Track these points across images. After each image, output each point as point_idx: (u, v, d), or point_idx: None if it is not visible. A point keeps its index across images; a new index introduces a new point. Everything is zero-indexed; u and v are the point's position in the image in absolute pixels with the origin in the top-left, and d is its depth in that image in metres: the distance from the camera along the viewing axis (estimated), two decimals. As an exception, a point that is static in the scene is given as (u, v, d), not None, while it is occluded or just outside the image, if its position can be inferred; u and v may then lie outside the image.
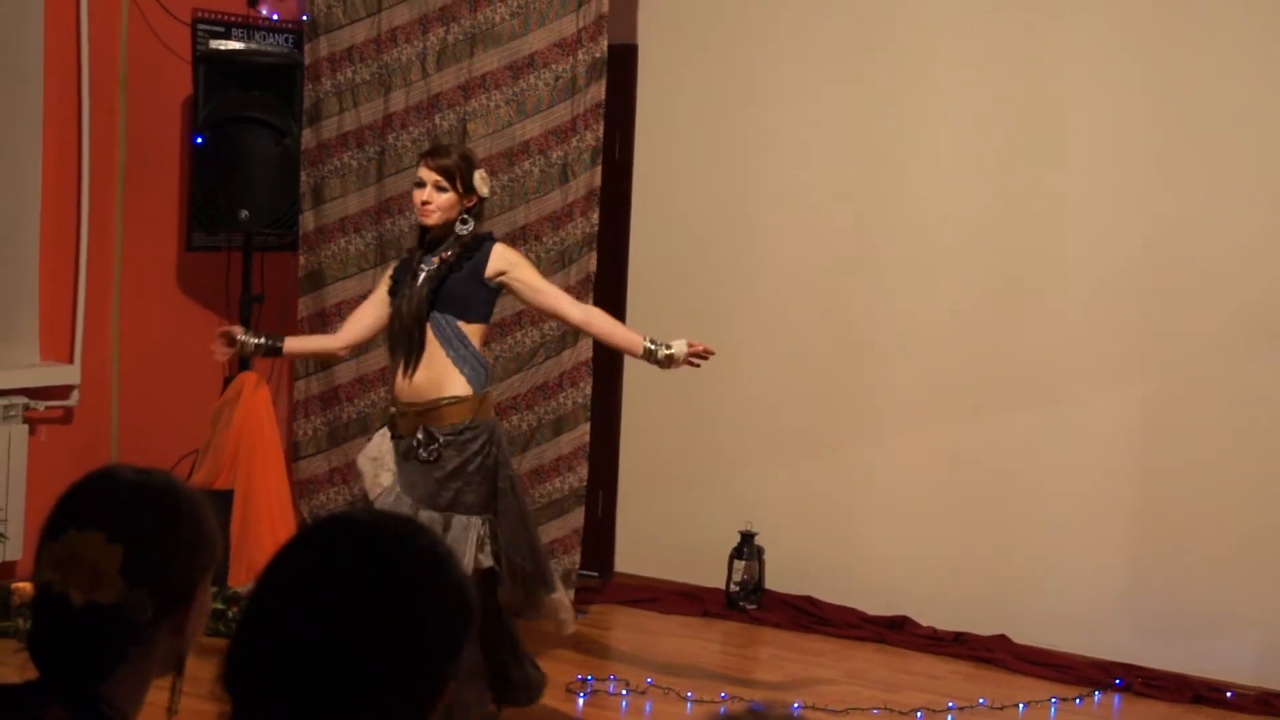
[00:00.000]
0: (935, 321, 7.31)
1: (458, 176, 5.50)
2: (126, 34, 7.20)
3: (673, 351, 5.60)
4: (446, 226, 5.53)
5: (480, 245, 5.55)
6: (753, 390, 7.58)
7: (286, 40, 7.63)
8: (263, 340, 5.75)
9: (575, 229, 7.20)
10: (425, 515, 5.28)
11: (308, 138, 7.45)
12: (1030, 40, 7.12)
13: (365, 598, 1.86)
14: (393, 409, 5.56)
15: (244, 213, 7.23)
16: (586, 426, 7.31)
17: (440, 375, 5.46)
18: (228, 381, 7.29)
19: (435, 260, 5.51)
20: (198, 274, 7.61)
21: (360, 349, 6.37)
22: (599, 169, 7.22)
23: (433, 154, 5.62)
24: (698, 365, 5.67)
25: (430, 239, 5.58)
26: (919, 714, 6.31)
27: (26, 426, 6.85)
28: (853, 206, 7.49)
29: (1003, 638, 7.12)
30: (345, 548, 1.92)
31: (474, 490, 5.44)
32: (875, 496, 7.49)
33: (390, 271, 5.74)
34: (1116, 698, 6.64)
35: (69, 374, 7.04)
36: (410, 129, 7.36)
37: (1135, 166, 6.91)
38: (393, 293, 5.60)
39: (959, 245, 7.26)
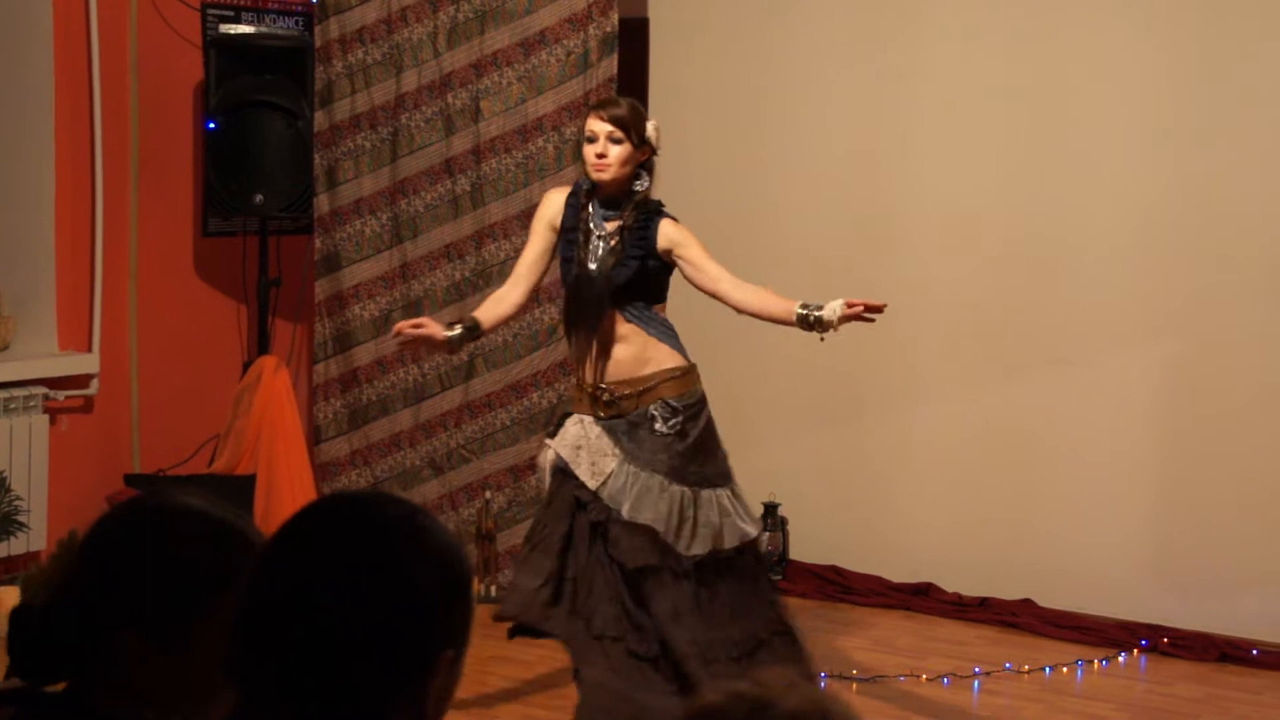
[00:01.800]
0: (957, 286, 7.30)
1: (632, 127, 5.20)
2: (136, 21, 7.20)
3: (823, 314, 5.09)
4: (622, 183, 5.26)
5: (649, 222, 5.24)
6: (773, 361, 7.56)
7: (296, 23, 7.63)
8: (458, 332, 5.32)
9: (590, 205, 7.20)
10: (675, 490, 5.13)
11: (320, 120, 7.45)
12: None
13: (348, 572, 1.87)
14: (594, 389, 5.23)
15: (259, 197, 7.23)
16: (607, 401, 7.31)
17: (645, 350, 5.22)
18: (247, 366, 7.31)
19: (609, 226, 5.24)
20: (214, 259, 7.62)
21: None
22: (612, 144, 7.20)
23: (603, 104, 5.31)
24: (871, 320, 5.19)
25: (605, 196, 5.28)
26: (945, 680, 6.32)
27: (47, 416, 6.87)
28: (871, 173, 7.47)
29: (1028, 602, 7.12)
30: (324, 527, 1.94)
31: (713, 463, 5.25)
32: (898, 464, 7.49)
33: (550, 212, 5.37)
34: (1142, 658, 6.64)
35: (88, 363, 7.05)
36: (423, 109, 7.36)
37: (1158, 122, 6.88)
38: (566, 256, 5.28)
39: (980, 208, 7.24)
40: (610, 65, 7.21)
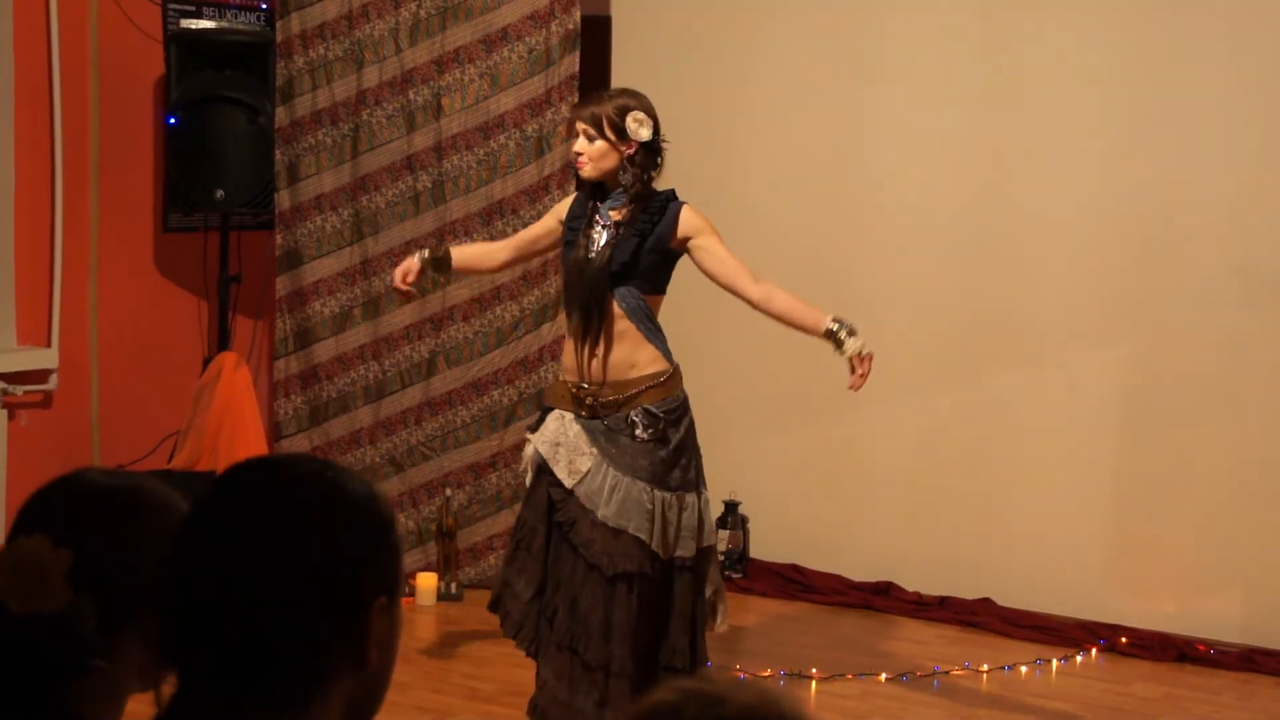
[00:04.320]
0: (917, 286, 7.31)
1: (605, 122, 5.13)
2: (96, 15, 7.16)
3: (845, 346, 5.16)
4: (609, 177, 5.20)
5: (665, 208, 5.20)
6: (735, 359, 7.57)
7: (258, 18, 7.60)
8: (427, 255, 5.51)
9: (552, 202, 7.17)
10: (659, 496, 5.10)
11: (281, 116, 7.42)
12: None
13: (262, 534, 1.87)
14: (576, 388, 5.18)
15: (219, 192, 7.20)
16: (568, 399, 7.31)
17: (633, 352, 5.16)
18: (207, 362, 7.28)
19: (614, 216, 5.19)
20: (175, 255, 7.59)
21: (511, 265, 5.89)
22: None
23: (580, 103, 5.37)
24: (856, 384, 5.18)
25: (607, 190, 5.23)
26: (904, 678, 6.33)
27: (5, 412, 6.83)
28: (832, 173, 7.48)
29: (987, 601, 7.14)
30: (234, 494, 1.94)
31: (693, 466, 5.23)
32: (859, 463, 7.50)
33: (563, 207, 5.41)
34: (1101, 658, 6.67)
35: (47, 358, 7.01)
36: (384, 105, 7.35)
37: (1115, 123, 6.90)
38: (569, 241, 5.26)
39: (939, 208, 7.26)
40: (572, 63, 7.22)
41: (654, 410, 5.16)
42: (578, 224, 5.26)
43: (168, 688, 1.95)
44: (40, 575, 2.09)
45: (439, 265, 5.56)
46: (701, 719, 1.65)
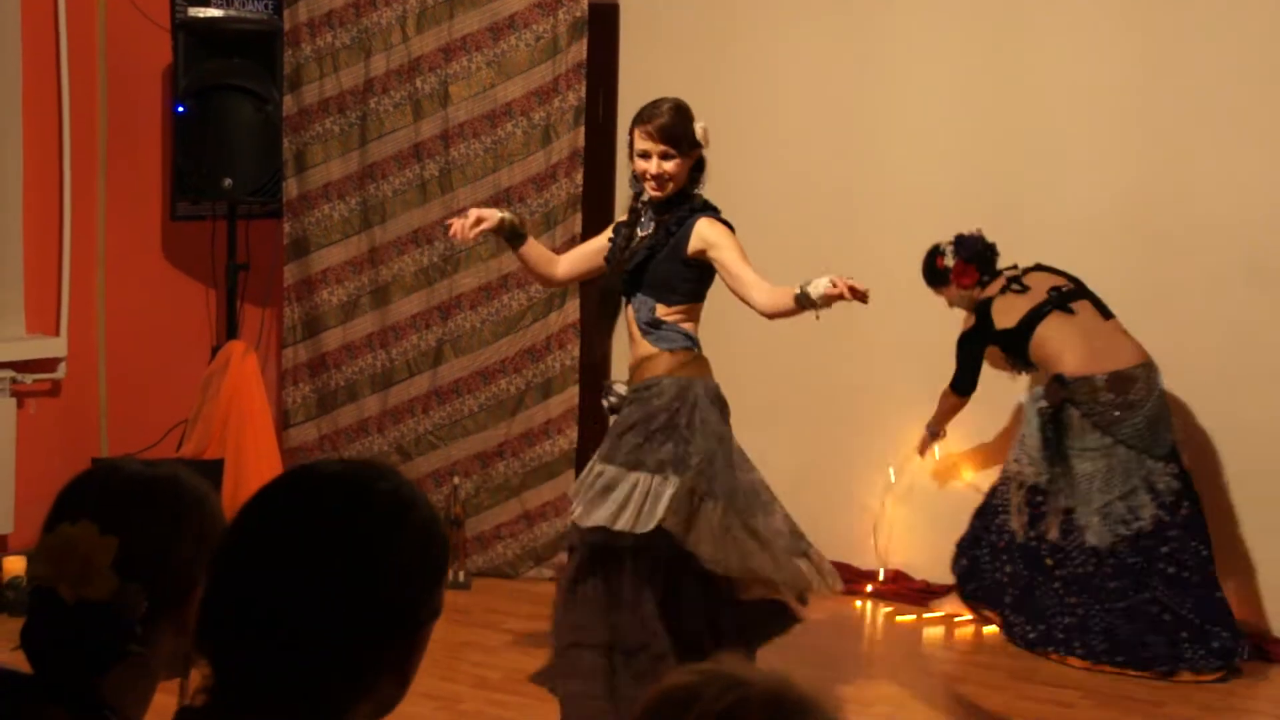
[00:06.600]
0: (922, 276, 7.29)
1: (683, 139, 5.02)
2: (105, 4, 7.16)
3: (810, 291, 4.78)
4: (679, 189, 5.08)
5: (684, 220, 5.06)
6: (743, 350, 7.55)
7: (265, 6, 7.60)
8: (508, 219, 5.20)
9: (559, 190, 7.20)
10: (608, 470, 5.00)
11: (289, 104, 7.42)
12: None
13: (329, 544, 1.87)
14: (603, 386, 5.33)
15: (227, 181, 7.20)
16: (575, 389, 7.31)
17: (643, 357, 5.10)
18: (215, 350, 7.28)
19: (653, 226, 5.10)
20: (182, 243, 7.59)
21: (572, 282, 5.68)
22: (582, 129, 7.22)
23: (650, 118, 5.04)
24: (852, 299, 4.77)
25: (657, 201, 5.10)
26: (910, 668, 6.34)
27: (14, 400, 6.83)
28: (839, 160, 7.46)
29: (995, 589, 7.13)
30: (307, 497, 1.93)
31: (656, 449, 5.01)
32: (867, 452, 7.49)
33: (619, 221, 5.29)
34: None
35: (56, 346, 7.02)
36: (391, 93, 7.35)
37: (1125, 109, 6.89)
38: (612, 243, 5.19)
39: (948, 196, 7.24)
40: (580, 50, 7.21)
41: (612, 385, 5.28)
42: (616, 235, 5.21)
43: (194, 676, 1.95)
44: (88, 562, 2.09)
45: (514, 235, 5.25)
46: (722, 701, 1.65)
